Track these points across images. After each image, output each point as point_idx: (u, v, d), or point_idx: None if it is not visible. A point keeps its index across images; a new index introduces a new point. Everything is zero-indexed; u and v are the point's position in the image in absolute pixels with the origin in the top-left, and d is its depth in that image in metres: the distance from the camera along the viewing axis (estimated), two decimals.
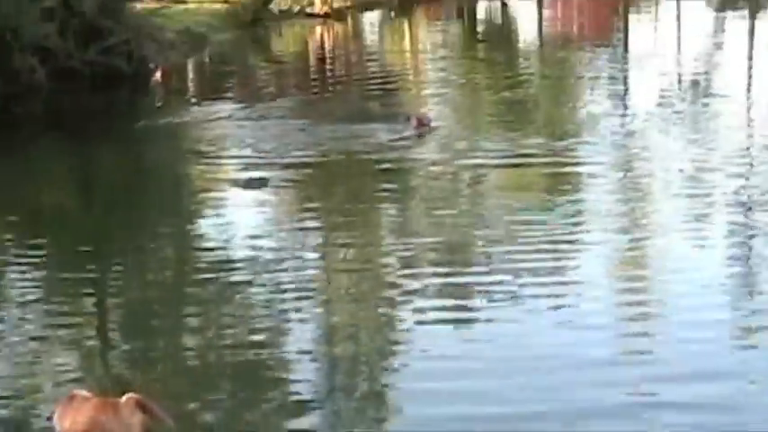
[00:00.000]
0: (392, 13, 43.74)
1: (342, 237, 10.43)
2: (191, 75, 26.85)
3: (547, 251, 9.23)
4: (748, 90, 20.53)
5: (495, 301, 8.18)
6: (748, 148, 13.81)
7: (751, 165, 12.88)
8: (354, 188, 12.87)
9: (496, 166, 12.94)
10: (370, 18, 42.69)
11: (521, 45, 33.66)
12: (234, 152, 14.58)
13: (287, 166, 13.45)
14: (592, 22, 44.30)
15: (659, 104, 17.72)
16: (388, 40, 36.18)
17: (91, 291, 9.23)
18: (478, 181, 12.45)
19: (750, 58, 26.31)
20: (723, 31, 36.24)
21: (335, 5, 38.84)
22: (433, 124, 15.25)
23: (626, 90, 20.85)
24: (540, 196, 11.61)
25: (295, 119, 16.76)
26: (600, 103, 18.47)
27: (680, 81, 21.68)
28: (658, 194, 11.34)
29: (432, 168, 13.18)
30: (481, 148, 13.95)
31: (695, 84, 21.11)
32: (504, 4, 49.65)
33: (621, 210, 10.72)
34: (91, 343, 8.02)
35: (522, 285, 8.41)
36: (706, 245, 9.44)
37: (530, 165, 13.06)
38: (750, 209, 10.72)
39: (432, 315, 7.95)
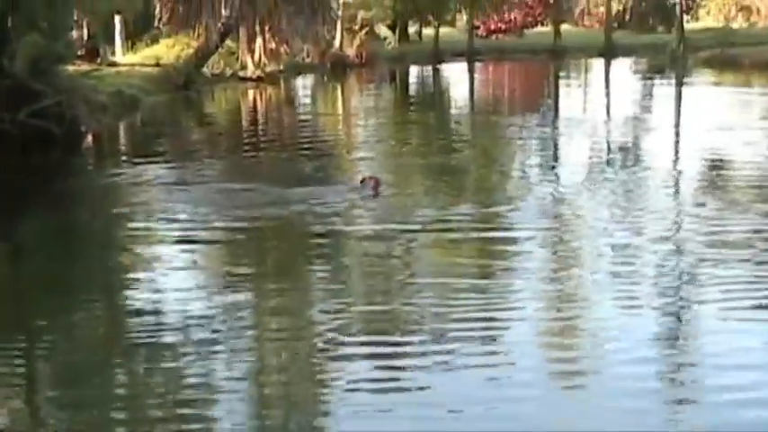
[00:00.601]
0: (325, 78, 44.10)
1: (273, 301, 10.34)
2: (123, 137, 26.74)
3: (478, 319, 9.21)
4: (675, 155, 20.92)
5: (425, 367, 8.15)
6: (677, 215, 13.98)
7: (677, 230, 13.06)
8: (286, 252, 12.80)
9: (428, 231, 12.89)
10: (303, 82, 42.95)
11: (453, 109, 33.98)
12: (165, 214, 14.47)
13: (218, 229, 13.37)
14: (522, 86, 44.98)
15: (589, 170, 17.92)
16: (321, 104, 36.36)
17: (18, 355, 9.06)
18: (411, 247, 12.35)
19: (677, 125, 26.85)
20: (651, 96, 36.92)
21: (268, 69, 39.04)
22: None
23: (556, 155, 21.10)
24: (471, 263, 11.53)
25: (226, 181, 16.76)
26: (531, 168, 18.66)
27: (609, 146, 22.00)
28: (588, 261, 11.34)
29: (364, 233, 13.16)
30: (413, 213, 13.91)
31: (624, 149, 21.40)
32: (435, 69, 50.35)
33: (552, 276, 10.70)
34: (15, 407, 7.85)
35: (451, 352, 8.40)
36: (635, 312, 9.48)
37: (462, 230, 13.03)
38: (679, 276, 10.79)
39: (362, 382, 7.90)
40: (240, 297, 10.34)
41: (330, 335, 8.89)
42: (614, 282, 10.46)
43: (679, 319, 9.32)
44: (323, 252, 12.45)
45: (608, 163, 18.89)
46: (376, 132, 26.41)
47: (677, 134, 24.58)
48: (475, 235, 12.93)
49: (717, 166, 18.54)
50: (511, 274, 10.89)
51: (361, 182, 15.51)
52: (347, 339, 8.78)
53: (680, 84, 41.79)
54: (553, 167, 19.09)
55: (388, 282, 10.85)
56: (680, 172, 18.10)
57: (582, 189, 15.83)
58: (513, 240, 12.46)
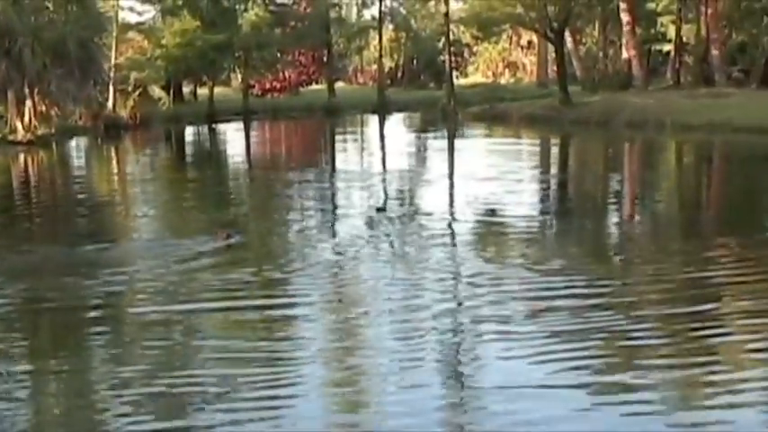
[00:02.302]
0: (99, 140, 43.50)
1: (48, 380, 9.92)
2: None
3: (259, 391, 9.20)
4: (449, 206, 21.68)
5: None
6: (457, 268, 14.14)
7: (456, 280, 13.51)
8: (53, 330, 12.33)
9: (202, 302, 12.57)
10: (77, 145, 42.21)
11: (230, 167, 34.07)
12: None
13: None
14: (299, 143, 45.55)
15: (368, 226, 18.01)
16: (96, 166, 35.79)
17: None
18: (185, 322, 11.77)
19: (450, 176, 27.86)
20: (424, 149, 38.06)
21: (39, 133, 38.30)
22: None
23: (334, 211, 21.26)
24: (247, 335, 11.16)
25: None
26: (308, 226, 18.54)
27: (385, 200, 22.52)
28: (368, 326, 11.21)
29: (129, 298, 12.94)
30: (187, 282, 13.68)
31: (400, 202, 21.87)
32: (211, 129, 50.41)
33: (329, 345, 10.57)
34: None
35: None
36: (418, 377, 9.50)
37: (239, 299, 12.64)
38: (462, 331, 10.99)
39: None
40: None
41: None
42: (398, 343, 10.47)
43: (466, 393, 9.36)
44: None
45: (386, 217, 19.19)
46: (152, 191, 26.28)
47: (450, 185, 25.31)
48: (254, 303, 12.56)
49: (487, 215, 19.39)
50: (293, 344, 10.63)
51: (215, 233, 16.35)
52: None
53: (452, 137, 43.13)
54: (331, 224, 19.21)
55: (163, 359, 10.37)
56: (453, 224, 18.62)
57: (362, 246, 15.90)
58: (293, 306, 12.34)
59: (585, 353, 10.05)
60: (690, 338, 10.63)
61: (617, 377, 9.40)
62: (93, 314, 12.18)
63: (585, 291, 12.53)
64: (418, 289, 12.74)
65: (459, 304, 12.17)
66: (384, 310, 11.71)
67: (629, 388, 9.11)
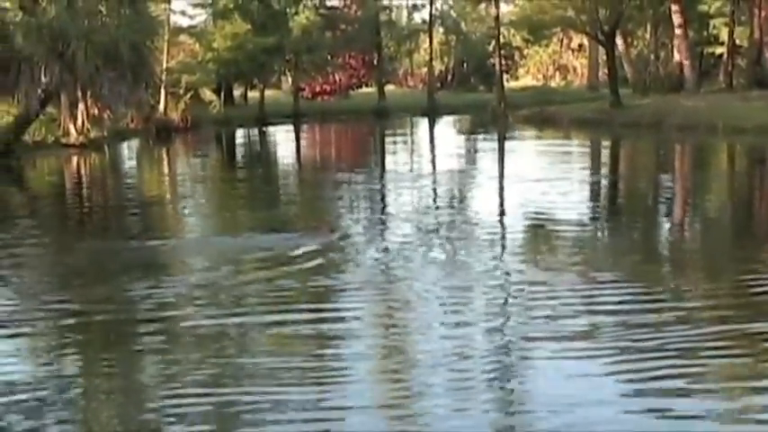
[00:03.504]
0: (150, 143, 43.86)
1: None
2: None
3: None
4: (500, 207, 21.60)
5: None
6: (510, 276, 13.77)
7: (509, 291, 13.21)
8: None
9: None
10: (129, 147, 42.63)
11: (280, 168, 34.27)
12: None
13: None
14: (349, 146, 45.68)
15: (418, 228, 17.80)
16: (147, 168, 36.11)
17: None
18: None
19: (500, 177, 27.79)
20: (474, 151, 38.00)
21: (92, 136, 38.62)
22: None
23: (384, 211, 21.21)
24: (292, 350, 11.00)
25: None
26: (358, 224, 18.67)
27: (436, 202, 22.44)
28: (418, 342, 10.59)
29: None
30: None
31: (451, 204, 21.75)
32: (261, 132, 50.64)
33: (377, 363, 10.04)
34: None
35: None
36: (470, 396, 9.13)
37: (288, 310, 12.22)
38: (515, 349, 10.30)
39: None
40: None
41: None
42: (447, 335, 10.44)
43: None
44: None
45: (437, 219, 19.06)
46: (204, 192, 26.61)
47: (500, 187, 25.29)
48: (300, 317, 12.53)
49: (539, 218, 19.08)
50: (340, 363, 9.91)
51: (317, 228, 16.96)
52: None
53: (502, 139, 43.01)
54: (382, 226, 18.98)
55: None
56: (504, 227, 18.46)
57: (410, 247, 15.71)
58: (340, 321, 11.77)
59: (657, 372, 9.20)
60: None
61: (690, 401, 8.60)
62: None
63: (647, 303, 11.75)
64: (470, 302, 12.20)
65: (511, 318, 11.41)
66: (434, 324, 11.12)
67: (704, 414, 8.32)
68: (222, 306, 12.04)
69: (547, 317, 11.14)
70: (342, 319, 11.44)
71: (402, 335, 10.87)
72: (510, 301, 12.29)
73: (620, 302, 11.79)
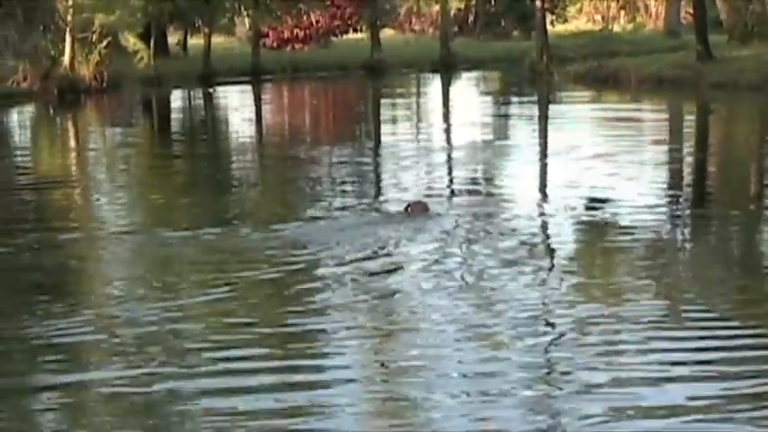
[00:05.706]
0: (51, 110, 43.78)
1: None
2: None
3: None
4: (544, 195, 21.43)
5: None
6: (550, 300, 13.60)
7: (550, 321, 12.99)
8: None
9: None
10: (20, 114, 42.51)
11: (231, 145, 34.19)
12: None
13: None
14: (330, 112, 45.61)
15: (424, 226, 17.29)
16: (47, 142, 35.97)
17: None
18: None
19: (543, 156, 27.63)
20: (507, 121, 37.95)
21: None
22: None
23: (375, 202, 20.94)
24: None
25: None
26: (346, 223, 18.52)
27: (452, 191, 22.31)
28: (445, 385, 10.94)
29: None
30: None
31: (472, 189, 21.86)
32: (208, 94, 50.59)
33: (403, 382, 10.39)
34: None
35: None
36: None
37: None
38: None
39: None
40: None
41: None
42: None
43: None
44: None
45: (456, 215, 18.85)
46: (126, 172, 26.96)
47: (543, 169, 25.07)
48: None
49: (596, 212, 18.87)
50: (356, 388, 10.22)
51: (406, 210, 17.85)
52: None
53: (545, 105, 42.96)
54: (375, 220, 18.73)
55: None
56: (548, 227, 18.15)
57: (424, 262, 15.25)
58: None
59: None
60: None
61: None
62: None
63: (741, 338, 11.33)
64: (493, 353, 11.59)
65: (557, 363, 10.92)
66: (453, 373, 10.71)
67: None
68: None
69: (603, 364, 10.66)
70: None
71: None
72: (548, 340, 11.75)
73: (698, 338, 11.44)
